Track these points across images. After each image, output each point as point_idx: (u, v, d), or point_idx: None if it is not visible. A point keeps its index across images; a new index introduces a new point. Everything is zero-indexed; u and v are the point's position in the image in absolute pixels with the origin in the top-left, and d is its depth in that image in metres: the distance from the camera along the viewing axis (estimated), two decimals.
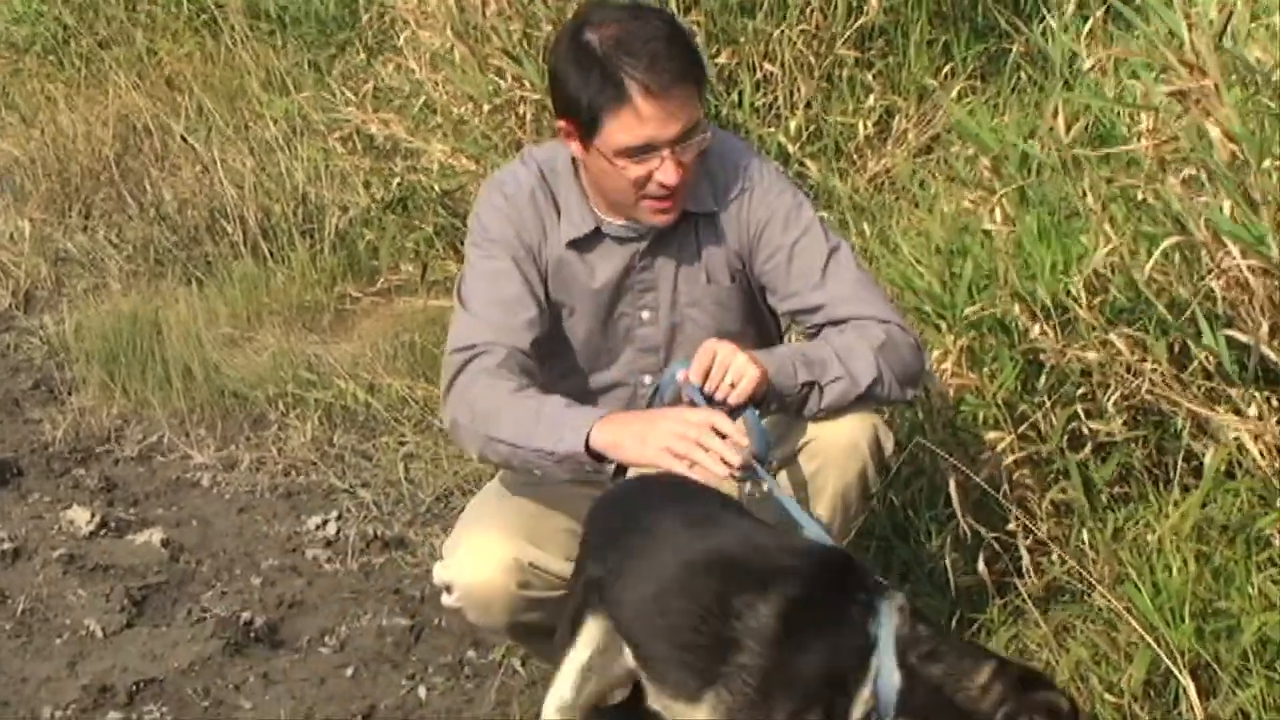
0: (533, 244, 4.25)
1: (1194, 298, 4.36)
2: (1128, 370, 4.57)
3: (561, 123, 4.14)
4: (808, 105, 7.53)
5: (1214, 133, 4.01)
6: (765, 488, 3.94)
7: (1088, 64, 5.02)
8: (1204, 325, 4.29)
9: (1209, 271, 4.27)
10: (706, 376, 3.96)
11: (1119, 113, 5.15)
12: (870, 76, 7.59)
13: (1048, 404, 4.85)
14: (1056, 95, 5.05)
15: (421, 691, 5.13)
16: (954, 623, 4.65)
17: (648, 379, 4.37)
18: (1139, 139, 4.52)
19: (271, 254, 8.52)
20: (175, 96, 10.27)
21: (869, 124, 7.45)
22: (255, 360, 7.58)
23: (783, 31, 7.52)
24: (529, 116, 7.68)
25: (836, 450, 4.14)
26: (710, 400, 3.94)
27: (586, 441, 3.85)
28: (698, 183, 4.20)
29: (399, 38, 8.71)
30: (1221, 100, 3.99)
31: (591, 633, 3.82)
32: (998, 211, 5.17)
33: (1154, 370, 4.48)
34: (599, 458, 3.87)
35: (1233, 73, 4.10)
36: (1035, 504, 4.76)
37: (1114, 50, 4.83)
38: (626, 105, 3.97)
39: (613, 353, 4.40)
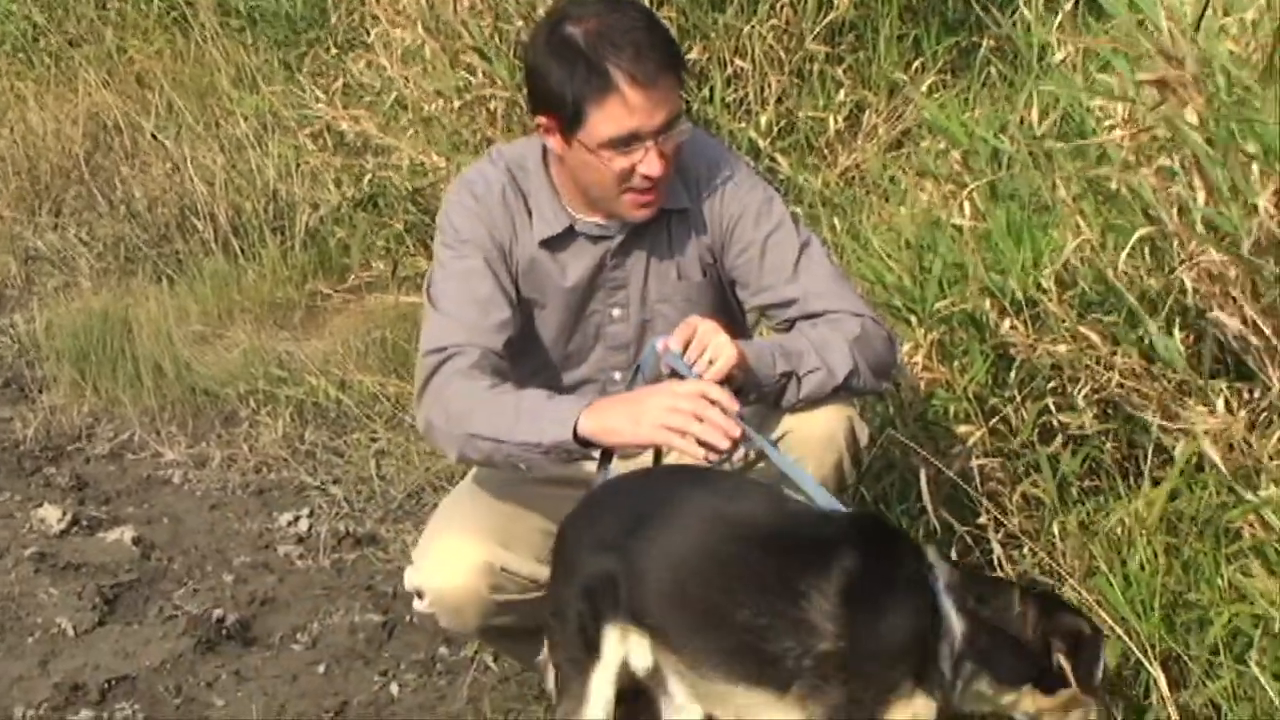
0: (504, 243, 4.24)
1: (1164, 290, 4.38)
2: (1098, 363, 4.58)
3: (541, 118, 4.12)
4: (778, 100, 7.54)
5: (1192, 120, 4.02)
6: (754, 454, 3.98)
7: (1059, 56, 5.03)
8: (1151, 327, 4.32)
9: (1180, 263, 4.28)
10: (687, 347, 3.96)
11: (1089, 106, 5.16)
12: (840, 71, 7.60)
13: (1018, 398, 4.86)
14: (1029, 87, 5.06)
15: (394, 688, 5.12)
16: None
17: (618, 375, 4.36)
18: (1110, 131, 4.53)
19: (242, 251, 8.52)
20: (145, 94, 10.25)
21: (839, 119, 7.47)
22: (226, 357, 7.58)
23: (753, 26, 7.54)
24: (500, 113, 7.68)
25: (814, 442, 4.13)
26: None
27: (575, 430, 3.83)
28: (671, 179, 4.20)
29: (369, 34, 8.70)
30: (1199, 90, 4.00)
31: (613, 644, 3.72)
32: (967, 206, 5.17)
33: (1124, 364, 4.49)
34: (586, 445, 3.86)
35: (1208, 66, 4.12)
36: (1006, 497, 4.76)
37: (1086, 41, 4.83)
38: (613, 95, 3.96)
39: (583, 350, 4.39)
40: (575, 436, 3.82)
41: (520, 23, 7.55)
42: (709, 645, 3.62)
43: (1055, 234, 4.91)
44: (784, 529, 3.69)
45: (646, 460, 4.09)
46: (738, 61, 7.57)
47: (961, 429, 4.90)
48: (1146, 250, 4.54)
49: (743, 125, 7.43)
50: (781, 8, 7.56)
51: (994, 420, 4.86)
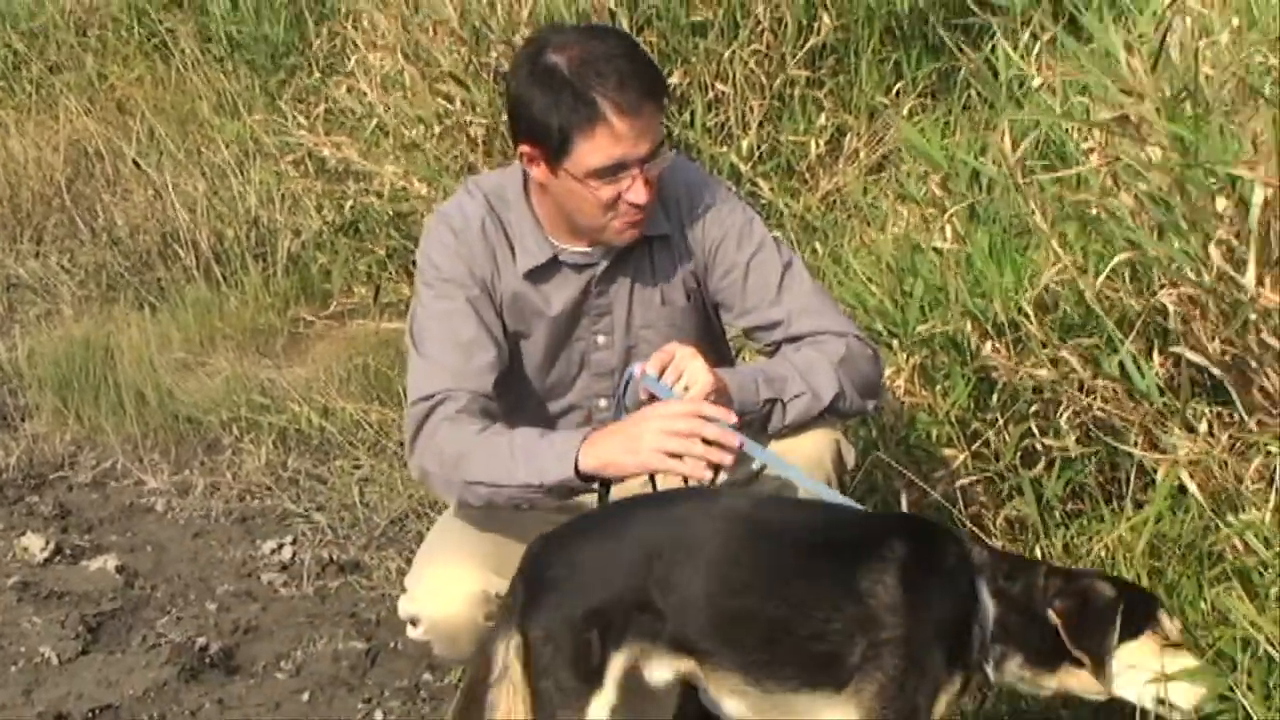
0: (486, 278, 4.22)
1: (1145, 313, 4.39)
2: (1079, 388, 4.58)
3: (525, 148, 4.09)
4: (760, 125, 7.55)
5: (1155, 155, 4.04)
6: (757, 464, 3.99)
7: (1036, 81, 5.04)
8: (1127, 358, 4.34)
9: (1161, 286, 4.29)
10: (663, 372, 3.96)
11: (1068, 130, 5.17)
12: (821, 95, 7.62)
13: (1000, 421, 4.87)
14: (1005, 114, 5.07)
15: (378, 715, 5.11)
16: None
17: (603, 403, 4.35)
18: (1088, 156, 4.54)
19: (224, 278, 8.51)
20: (126, 121, 10.25)
21: (820, 143, 7.48)
22: (209, 385, 7.57)
23: (734, 51, 7.56)
24: (480, 138, 7.69)
25: (801, 465, 4.13)
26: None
27: (576, 466, 3.82)
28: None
29: (349, 61, 8.72)
30: (1158, 121, 4.02)
31: (616, 672, 3.62)
32: (948, 229, 5.19)
33: (1105, 388, 4.50)
34: (588, 480, 3.85)
35: (1182, 89, 4.13)
36: (989, 520, 4.78)
37: (1057, 73, 4.82)
38: (600, 124, 3.94)
39: (568, 378, 4.38)
40: (577, 473, 3.82)
41: (501, 48, 7.57)
42: (772, 659, 3.60)
43: (1036, 256, 4.92)
44: (825, 532, 3.71)
45: (635, 485, 4.05)
46: (719, 86, 7.59)
47: (944, 452, 4.91)
48: (1127, 273, 4.55)
49: (724, 150, 7.45)
50: (762, 32, 7.59)
51: (976, 443, 4.88)
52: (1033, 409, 4.82)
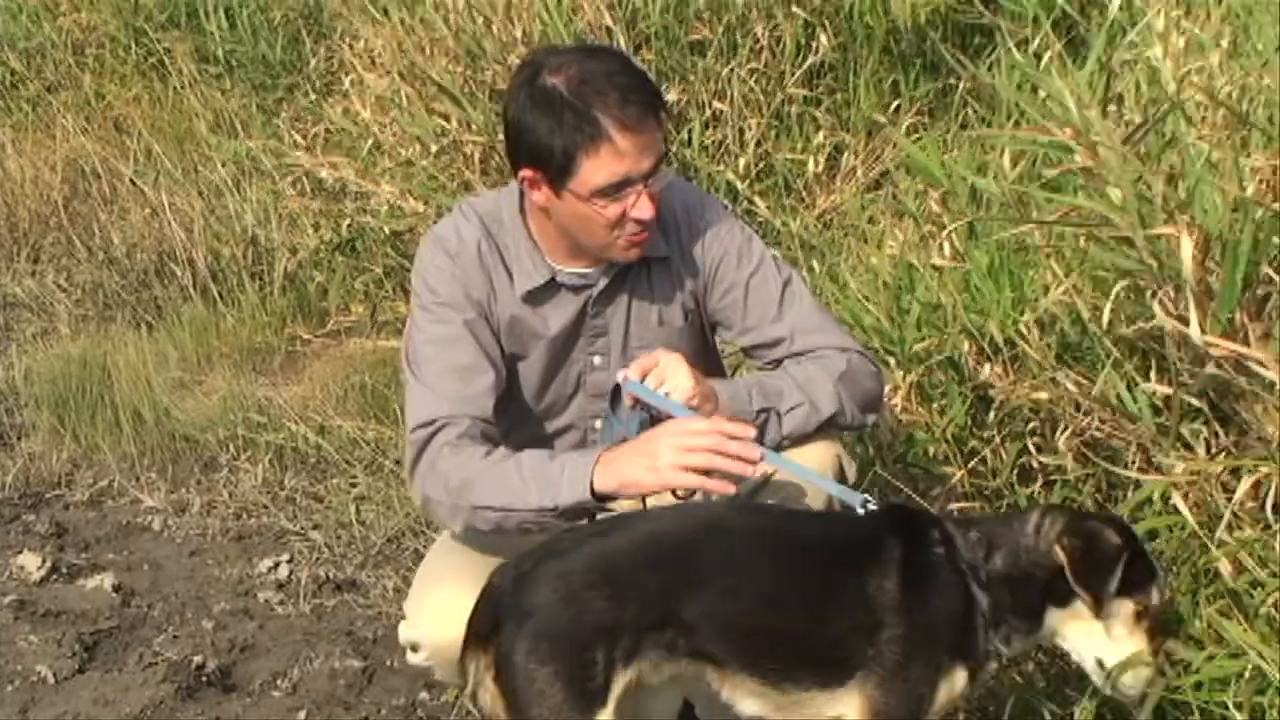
0: (482, 301, 4.20)
1: (1144, 333, 4.39)
2: (1076, 408, 4.58)
3: (527, 172, 4.06)
4: (757, 143, 7.56)
5: (1115, 196, 4.06)
6: (769, 469, 4.00)
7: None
8: (1118, 383, 4.34)
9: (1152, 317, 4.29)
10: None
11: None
12: (819, 113, 7.63)
13: (997, 439, 4.86)
14: (1004, 136, 5.06)
15: None
16: None
17: (598, 423, 4.32)
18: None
19: (221, 296, 8.52)
20: (123, 140, 10.27)
21: (818, 161, 7.48)
22: (205, 403, 7.57)
23: (732, 69, 7.57)
24: (476, 157, 7.69)
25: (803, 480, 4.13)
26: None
27: (591, 488, 3.79)
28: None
29: (345, 81, 8.73)
30: (1111, 168, 4.03)
31: (618, 690, 3.58)
32: (946, 246, 5.18)
33: (1102, 407, 4.49)
34: (604, 500, 3.82)
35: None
36: None
37: (1026, 129, 4.79)
38: (604, 143, 3.93)
39: (564, 398, 4.37)
40: (593, 494, 3.80)
41: (494, 68, 7.58)
42: (789, 663, 3.66)
43: (1034, 274, 4.92)
44: (824, 539, 3.79)
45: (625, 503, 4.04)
46: (717, 104, 7.61)
47: (941, 470, 4.90)
48: (1126, 293, 4.54)
49: (721, 168, 7.45)
50: (760, 50, 7.60)
51: (973, 461, 4.87)
52: (1029, 427, 4.81)
